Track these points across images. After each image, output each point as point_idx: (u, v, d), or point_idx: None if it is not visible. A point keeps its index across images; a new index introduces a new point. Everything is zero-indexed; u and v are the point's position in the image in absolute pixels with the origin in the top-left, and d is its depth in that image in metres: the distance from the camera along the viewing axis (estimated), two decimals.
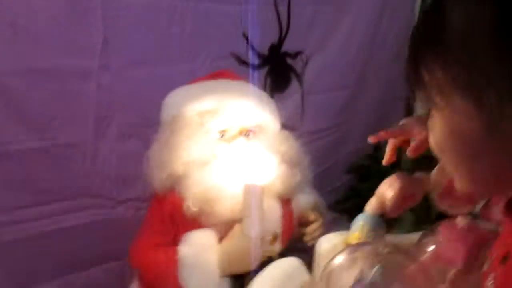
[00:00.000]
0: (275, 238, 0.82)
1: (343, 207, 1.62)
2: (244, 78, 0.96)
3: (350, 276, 0.55)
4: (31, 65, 0.88)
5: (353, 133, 1.77)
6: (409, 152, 0.68)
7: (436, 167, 0.76)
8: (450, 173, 0.44)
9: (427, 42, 0.40)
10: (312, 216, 0.88)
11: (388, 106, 1.85)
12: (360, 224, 0.73)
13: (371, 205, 0.75)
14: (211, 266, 0.77)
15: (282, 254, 0.80)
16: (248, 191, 0.76)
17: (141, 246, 0.84)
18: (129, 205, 1.08)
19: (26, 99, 0.89)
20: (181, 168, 0.79)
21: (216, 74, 0.92)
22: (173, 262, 0.77)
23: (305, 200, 0.92)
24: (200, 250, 0.78)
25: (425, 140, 0.64)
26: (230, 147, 0.81)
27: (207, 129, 0.82)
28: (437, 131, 0.42)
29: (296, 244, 0.90)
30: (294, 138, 1.39)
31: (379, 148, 1.90)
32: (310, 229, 0.87)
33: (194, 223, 0.79)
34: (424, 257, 0.66)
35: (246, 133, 0.84)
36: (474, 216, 0.70)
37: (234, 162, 0.79)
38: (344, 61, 1.54)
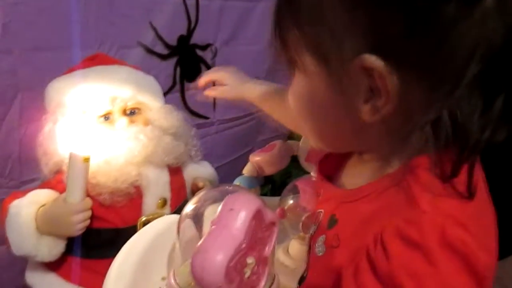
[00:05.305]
0: (164, 203, 0.90)
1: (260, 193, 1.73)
2: (120, 61, 1.03)
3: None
4: None
5: (267, 122, 1.88)
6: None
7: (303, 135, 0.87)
8: (305, 130, 0.46)
9: (286, 3, 0.41)
10: (201, 183, 0.97)
11: None
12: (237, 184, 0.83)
13: (246, 168, 0.85)
14: (27, 220, 0.82)
15: None
16: (72, 160, 0.81)
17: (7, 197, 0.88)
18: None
19: None
20: (66, 157, 0.85)
21: (91, 59, 0.98)
22: (5, 210, 0.84)
23: (198, 170, 1.01)
24: (25, 203, 0.83)
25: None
26: (111, 128, 0.89)
27: (89, 115, 0.89)
28: (294, 90, 0.44)
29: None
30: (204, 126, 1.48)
31: (292, 136, 2.03)
32: None
33: None
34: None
35: (130, 111, 0.92)
36: None
37: (115, 140, 0.87)
38: (254, 52, 1.64)
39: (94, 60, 0.97)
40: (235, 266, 0.37)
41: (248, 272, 0.40)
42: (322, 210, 0.46)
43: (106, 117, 0.90)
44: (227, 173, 1.42)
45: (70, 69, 0.96)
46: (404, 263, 0.33)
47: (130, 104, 0.92)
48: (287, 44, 0.41)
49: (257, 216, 0.40)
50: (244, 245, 0.38)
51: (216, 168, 1.15)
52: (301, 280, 0.49)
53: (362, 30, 0.35)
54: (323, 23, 0.37)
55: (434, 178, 0.35)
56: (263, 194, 1.40)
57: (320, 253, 0.43)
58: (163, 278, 0.67)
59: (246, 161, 1.93)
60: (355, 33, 0.35)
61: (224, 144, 1.65)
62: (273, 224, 0.43)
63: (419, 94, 0.36)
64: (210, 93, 0.77)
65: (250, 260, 0.40)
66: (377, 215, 0.38)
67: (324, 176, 0.49)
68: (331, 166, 0.50)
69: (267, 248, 0.42)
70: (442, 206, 0.34)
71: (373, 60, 0.35)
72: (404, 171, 0.37)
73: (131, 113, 0.92)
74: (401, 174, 0.38)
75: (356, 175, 0.46)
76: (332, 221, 0.43)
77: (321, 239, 0.44)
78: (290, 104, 0.45)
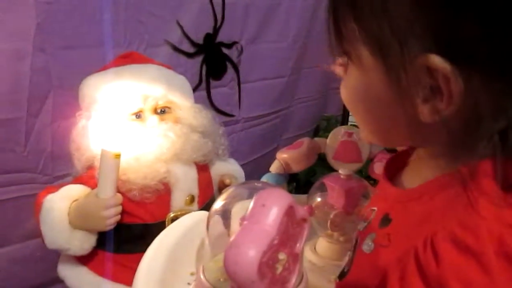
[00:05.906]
0: (191, 199, 0.91)
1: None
2: (153, 60, 1.04)
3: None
4: None
5: (292, 120, 1.88)
6: None
7: (331, 133, 0.87)
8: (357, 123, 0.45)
9: None
10: (228, 180, 0.98)
11: (325, 95, 1.97)
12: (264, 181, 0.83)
13: (273, 165, 0.85)
14: (60, 215, 0.83)
15: None
16: (103, 156, 0.83)
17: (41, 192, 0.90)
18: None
19: None
20: (98, 153, 0.86)
21: (125, 57, 0.99)
22: (39, 205, 0.85)
23: (225, 167, 1.02)
24: (59, 198, 0.85)
25: None
26: (142, 125, 0.91)
27: (122, 112, 0.90)
28: (349, 83, 0.42)
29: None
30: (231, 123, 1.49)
31: (317, 134, 2.02)
32: None
33: None
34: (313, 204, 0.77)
35: (161, 110, 0.93)
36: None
37: (146, 137, 0.88)
38: (279, 50, 1.64)
39: (127, 58, 0.99)
40: (267, 262, 0.37)
41: (279, 268, 0.40)
42: (375, 208, 0.45)
43: (138, 115, 0.92)
44: (252, 170, 1.42)
45: (104, 67, 0.98)
46: (456, 269, 0.32)
47: (161, 103, 0.93)
48: (343, 36, 0.40)
49: (289, 212, 0.40)
50: (276, 241, 0.38)
51: (242, 166, 1.16)
52: (342, 275, 0.48)
53: (429, 29, 0.33)
54: (385, 17, 0.35)
55: (496, 186, 0.33)
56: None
57: (368, 251, 0.42)
58: (192, 273, 0.68)
59: (271, 159, 1.93)
60: (420, 31, 0.34)
61: (249, 142, 1.66)
62: (304, 220, 0.43)
63: (486, 99, 0.34)
64: None
65: (281, 256, 0.40)
66: (431, 217, 0.37)
67: (387, 177, 0.48)
68: (395, 167, 0.48)
69: (298, 245, 0.42)
70: (502, 215, 0.33)
71: (439, 62, 0.33)
72: (463, 174, 0.36)
73: (162, 111, 0.94)
74: (460, 176, 0.36)
75: (415, 175, 0.45)
76: (386, 220, 0.42)
77: (370, 236, 0.43)
78: (342, 96, 0.44)
